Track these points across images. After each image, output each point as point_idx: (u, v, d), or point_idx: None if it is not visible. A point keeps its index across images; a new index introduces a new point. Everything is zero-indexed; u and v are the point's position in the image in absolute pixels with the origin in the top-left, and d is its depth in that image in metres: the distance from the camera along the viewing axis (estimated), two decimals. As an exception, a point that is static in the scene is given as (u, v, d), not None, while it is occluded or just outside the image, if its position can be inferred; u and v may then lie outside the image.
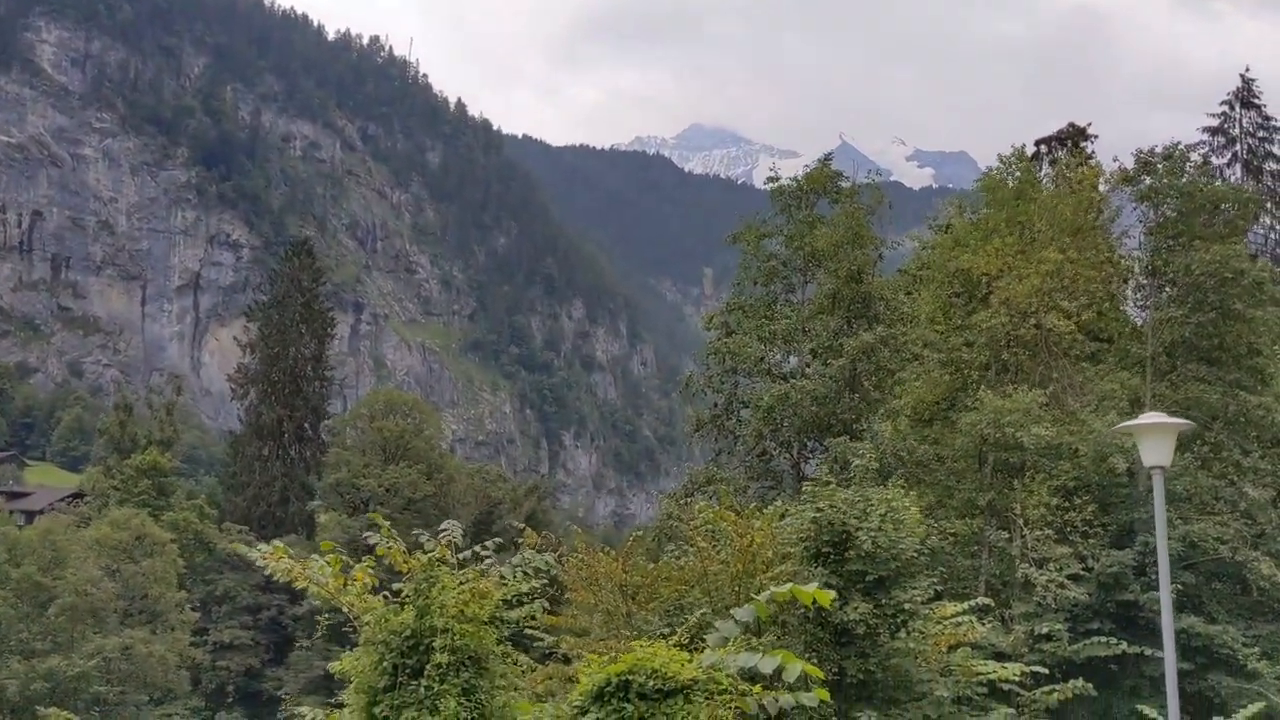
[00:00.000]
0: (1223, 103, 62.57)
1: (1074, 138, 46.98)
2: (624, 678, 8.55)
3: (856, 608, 20.72)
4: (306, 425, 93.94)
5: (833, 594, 8.20)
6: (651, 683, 8.50)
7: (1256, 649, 25.89)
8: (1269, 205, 56.32)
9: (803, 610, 21.35)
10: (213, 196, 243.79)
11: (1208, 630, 26.09)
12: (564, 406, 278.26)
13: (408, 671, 13.03)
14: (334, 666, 14.35)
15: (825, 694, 8.64)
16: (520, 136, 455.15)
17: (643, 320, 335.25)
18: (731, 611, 8.64)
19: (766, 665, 8.09)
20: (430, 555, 13.20)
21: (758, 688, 9.21)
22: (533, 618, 22.81)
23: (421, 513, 69.65)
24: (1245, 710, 23.59)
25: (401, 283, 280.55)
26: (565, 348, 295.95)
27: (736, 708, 9.25)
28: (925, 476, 30.03)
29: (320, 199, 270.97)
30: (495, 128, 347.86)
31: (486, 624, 13.72)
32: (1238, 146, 62.42)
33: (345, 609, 13.80)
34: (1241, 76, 64.49)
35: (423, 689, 12.76)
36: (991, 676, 23.20)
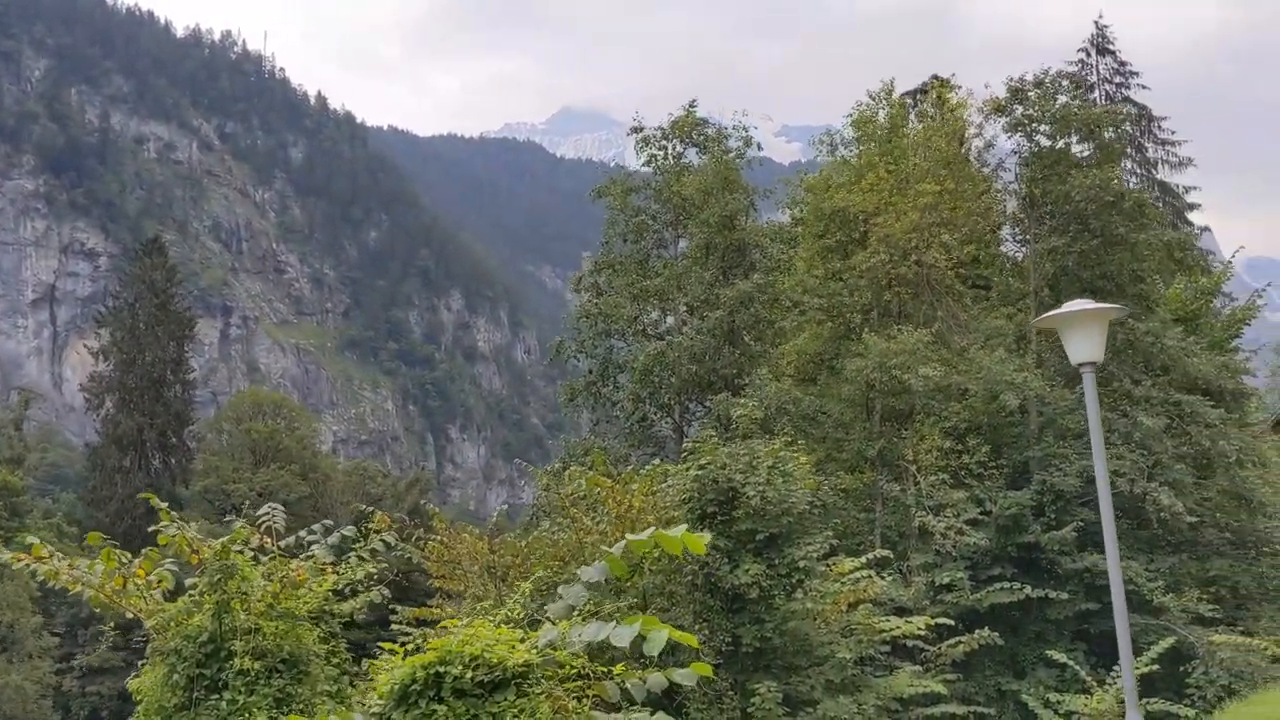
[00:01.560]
0: (1079, 49, 62.88)
1: (938, 89, 46.21)
2: (434, 671, 6.39)
3: (748, 570, 18.93)
4: (170, 433, 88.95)
5: (707, 537, 6.03)
6: (471, 674, 6.36)
7: (1160, 583, 24.95)
8: (1129, 150, 56.63)
9: (690, 578, 19.53)
10: (64, 204, 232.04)
11: (1110, 567, 25.04)
12: (448, 400, 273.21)
13: (205, 684, 10.67)
14: (130, 684, 11.88)
15: (706, 668, 6.46)
16: (386, 128, 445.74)
17: (524, 308, 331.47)
18: (578, 571, 6.45)
19: (621, 636, 5.97)
20: (224, 541, 10.84)
21: (620, 667, 7.15)
22: (392, 610, 20.65)
23: (298, 515, 66.12)
24: (1155, 647, 22.71)
25: (271, 283, 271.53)
26: (446, 340, 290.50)
27: (594, 696, 7.18)
28: (812, 430, 28.49)
29: (180, 201, 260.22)
30: (359, 120, 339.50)
31: (305, 619, 11.45)
32: (1095, 93, 62.84)
33: (132, 613, 11.33)
34: (1096, 23, 64.83)
35: (224, 703, 10.42)
36: (895, 633, 21.82)
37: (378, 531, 14.06)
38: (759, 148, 33.39)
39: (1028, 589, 24.46)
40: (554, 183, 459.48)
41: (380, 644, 8.03)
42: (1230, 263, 30.03)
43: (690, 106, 33.89)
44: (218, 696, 10.45)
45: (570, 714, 6.90)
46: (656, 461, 21.24)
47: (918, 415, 27.18)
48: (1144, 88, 59.99)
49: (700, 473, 19.72)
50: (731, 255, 31.97)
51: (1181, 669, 23.86)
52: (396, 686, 6.41)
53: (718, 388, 29.03)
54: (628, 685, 6.77)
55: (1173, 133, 53.84)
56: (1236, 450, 26.26)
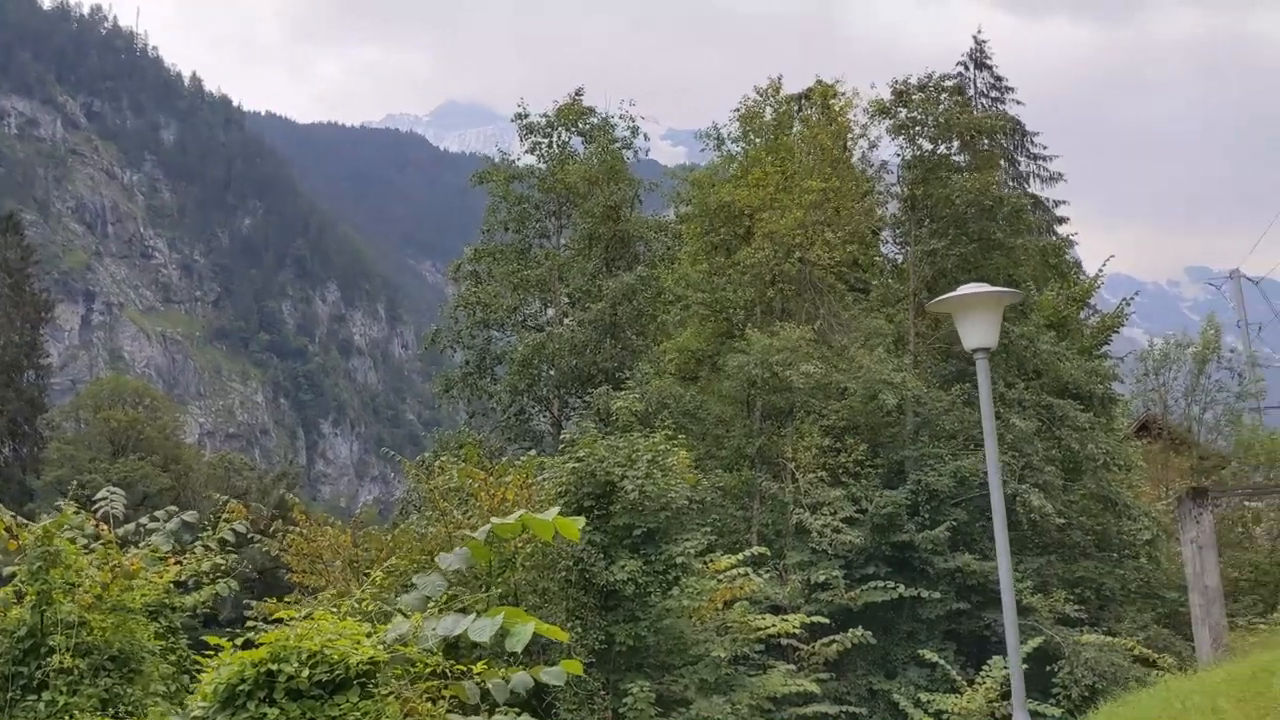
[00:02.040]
0: (958, 63, 64.21)
1: (822, 91, 46.53)
2: (266, 669, 5.62)
3: (624, 566, 18.36)
4: (21, 420, 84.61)
5: (581, 520, 5.39)
6: (308, 672, 5.60)
7: (1029, 583, 25.26)
8: (1003, 163, 58.03)
9: (564, 574, 18.89)
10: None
11: (982, 567, 25.28)
12: (321, 394, 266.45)
13: (23, 684, 9.62)
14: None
15: (576, 666, 5.81)
16: (263, 114, 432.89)
17: (403, 302, 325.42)
18: (436, 559, 5.74)
19: (481, 630, 5.30)
20: (46, 525, 9.79)
21: (481, 665, 6.47)
22: (247, 606, 19.45)
23: (159, 508, 63.50)
24: (1024, 647, 22.93)
25: (137, 269, 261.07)
26: (320, 333, 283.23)
27: (451, 697, 6.49)
28: (693, 427, 28.14)
29: (41, 181, 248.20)
30: (235, 104, 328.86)
31: (140, 613, 10.46)
32: (973, 106, 64.26)
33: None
34: (974, 38, 66.31)
35: (43, 704, 9.40)
36: (770, 631, 21.56)
37: (228, 520, 13.09)
38: (645, 137, 32.92)
39: (901, 588, 24.50)
40: (437, 176, 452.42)
41: (206, 639, 7.18)
42: (1101, 271, 30.74)
43: (577, 94, 33.26)
44: (35, 697, 9.43)
45: (424, 717, 6.19)
46: (533, 453, 20.51)
47: (798, 413, 27.05)
48: (1019, 103, 61.40)
49: (577, 465, 19.09)
50: (615, 247, 31.43)
51: (1048, 669, 24.18)
52: (222, 687, 5.62)
53: (598, 381, 28.43)
54: (489, 685, 6.10)
55: (1044, 148, 55.28)
56: (1104, 454, 26.79)
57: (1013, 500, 26.21)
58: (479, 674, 6.37)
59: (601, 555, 18.63)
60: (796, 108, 47.63)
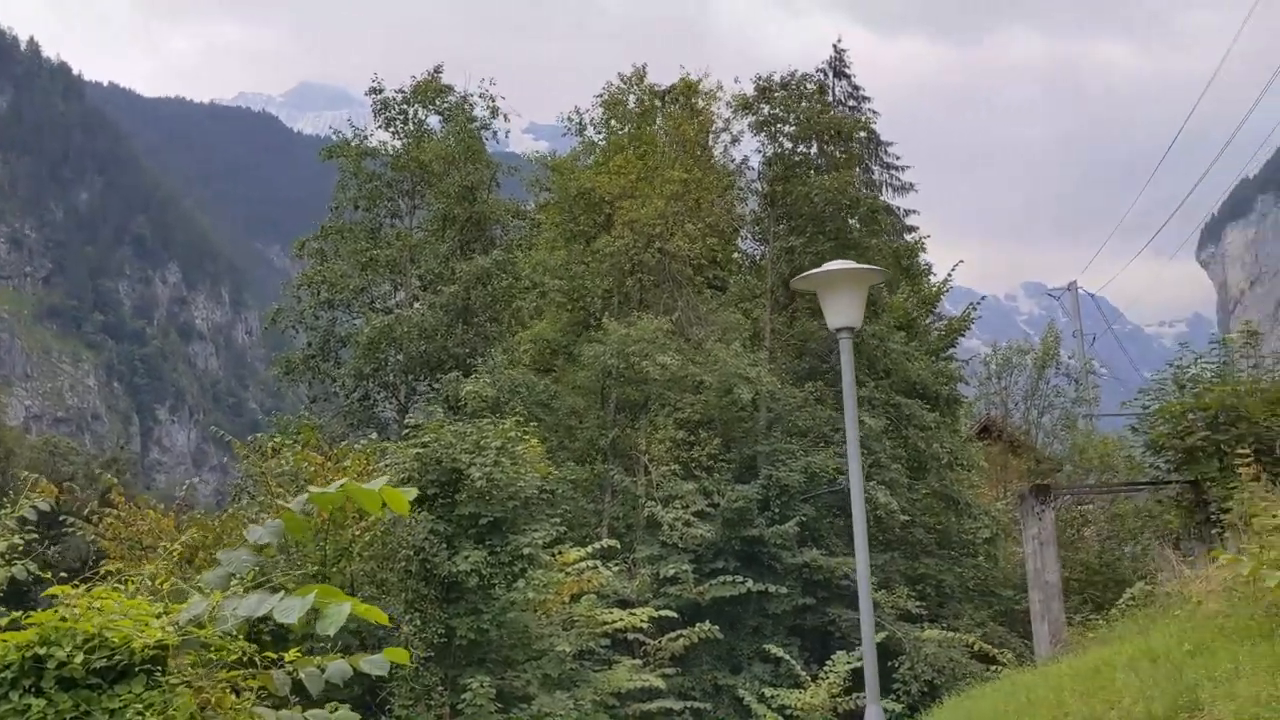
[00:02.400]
0: (818, 69, 65.16)
1: (686, 89, 46.53)
2: (33, 654, 4.79)
3: (468, 556, 17.65)
4: None
5: (413, 492, 4.68)
6: (84, 658, 4.81)
7: (874, 579, 25.46)
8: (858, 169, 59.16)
9: (404, 564, 18.05)
10: None
11: (829, 563, 25.43)
12: (158, 379, 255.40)
13: None
14: None
15: (402, 654, 5.07)
16: (106, 84, 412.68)
17: (249, 286, 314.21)
18: (246, 530, 4.97)
19: (288, 609, 4.57)
20: None
21: (294, 652, 5.74)
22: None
23: (-29, 493, 59.61)
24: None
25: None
26: (159, 315, 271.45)
27: (259, 688, 5.74)
28: (545, 417, 27.55)
29: None
30: (76, 72, 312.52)
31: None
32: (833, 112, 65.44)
33: None
34: (834, 47, 67.43)
35: None
36: (617, 625, 21.16)
37: (29, 499, 11.90)
38: (505, 119, 32.11)
39: (750, 583, 24.42)
40: (289, 158, 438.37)
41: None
42: (950, 275, 31.40)
43: (436, 71, 32.22)
44: None
45: (225, 710, 5.43)
46: (374, 436, 19.59)
47: (653, 406, 26.73)
48: (875, 113, 62.62)
49: (422, 451, 18.28)
50: (471, 229, 30.50)
51: (889, 664, 24.42)
52: (-22, 673, 4.78)
53: (448, 367, 27.51)
54: (302, 675, 5.39)
55: (897, 158, 56.57)
56: (948, 453, 27.29)
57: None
58: (291, 662, 5.64)
59: (445, 545, 17.88)
60: (660, 102, 47.50)
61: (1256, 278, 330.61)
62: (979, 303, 30.94)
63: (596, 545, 21.73)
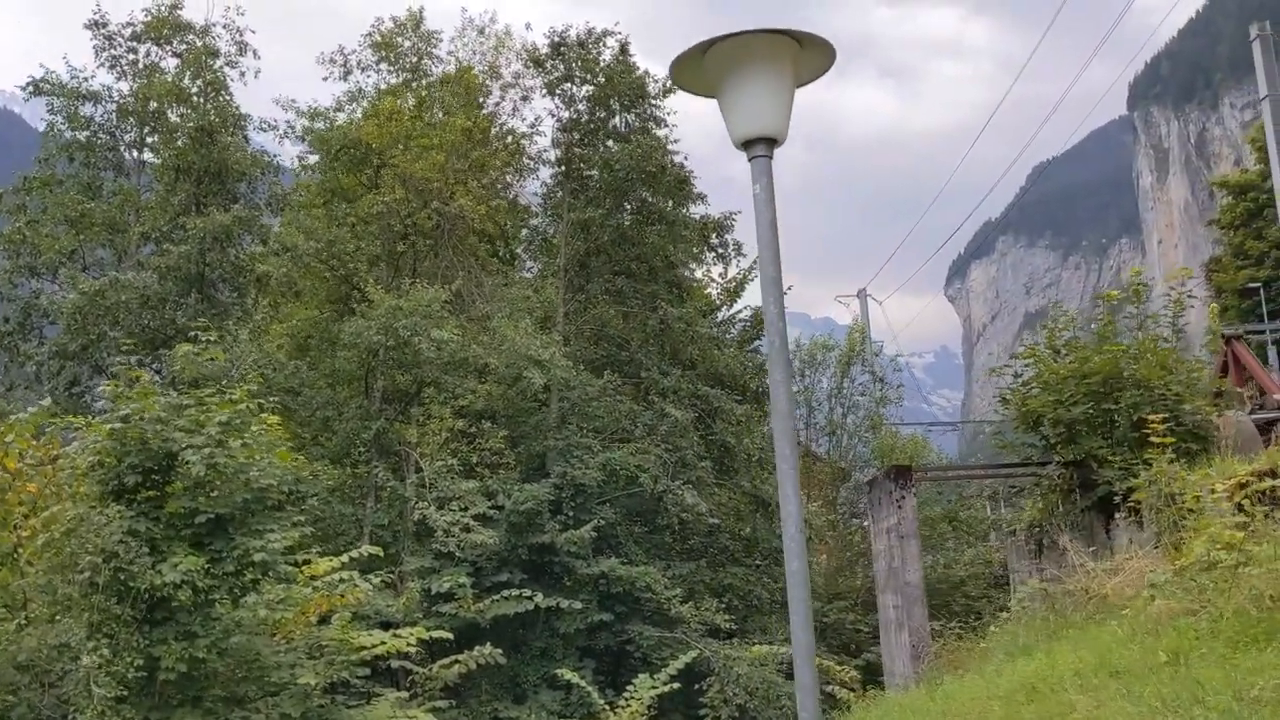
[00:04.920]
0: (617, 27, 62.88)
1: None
2: None
3: (179, 564, 13.35)
4: None
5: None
6: None
7: (679, 591, 22.47)
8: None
9: (90, 574, 13.60)
10: None
11: (628, 573, 22.21)
12: None
13: None
14: None
15: None
16: None
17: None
18: None
19: None
20: None
21: None
22: None
23: None
24: (675, 661, 20.00)
25: None
26: None
27: None
28: (299, 410, 23.30)
29: None
30: None
31: None
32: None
33: None
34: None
35: None
36: (379, 650, 17.19)
37: None
38: (255, 55, 27.42)
39: (538, 597, 20.88)
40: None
41: None
42: (756, 263, 28.74)
43: (174, 6, 27.17)
44: None
45: None
46: (46, 403, 15.00)
47: (427, 393, 22.88)
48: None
49: (121, 426, 13.87)
50: (210, 183, 25.66)
51: (695, 687, 21.43)
52: None
53: (176, 345, 22.76)
54: None
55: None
56: (759, 449, 24.68)
57: (662, 497, 23.49)
58: None
59: (147, 550, 13.53)
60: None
61: (996, 312, 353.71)
62: (789, 289, 28.50)
63: (354, 553, 17.70)
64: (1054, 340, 13.96)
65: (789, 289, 28.15)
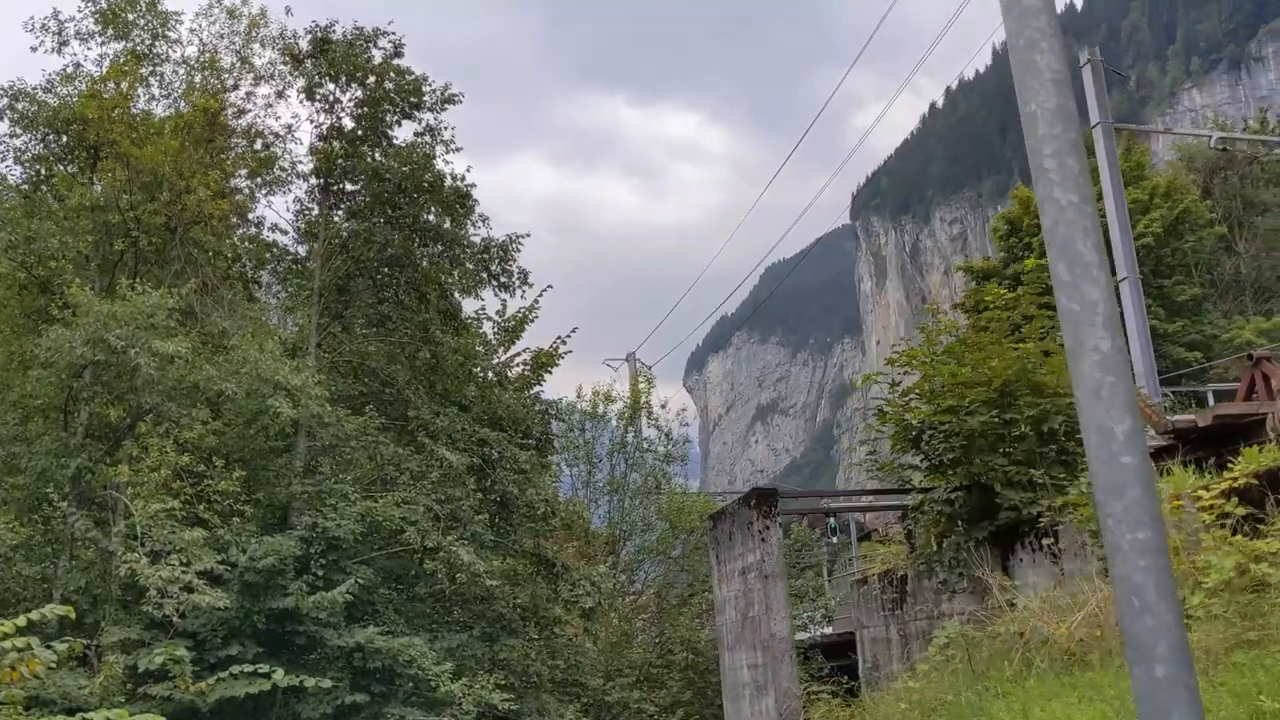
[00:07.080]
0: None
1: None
2: None
3: None
4: None
5: None
6: None
7: (448, 666, 18.94)
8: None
9: None
10: None
11: (389, 645, 18.53)
12: None
13: None
14: None
15: None
16: None
17: None
18: None
19: None
20: None
21: None
22: None
23: None
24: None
25: None
26: None
27: None
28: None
29: None
30: None
31: None
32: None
33: None
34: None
35: None
36: (63, 746, 12.96)
37: None
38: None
39: (278, 674, 16.87)
40: None
41: None
42: (545, 290, 25.87)
43: None
44: None
45: None
46: None
47: (144, 423, 18.64)
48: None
49: None
50: None
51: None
52: None
53: None
54: None
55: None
56: (545, 503, 21.65)
57: (433, 556, 20.05)
58: None
59: None
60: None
61: (731, 404, 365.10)
62: (573, 332, 25.75)
63: (36, 614, 13.43)
64: (933, 344, 11.94)
65: (564, 356, 25.43)
